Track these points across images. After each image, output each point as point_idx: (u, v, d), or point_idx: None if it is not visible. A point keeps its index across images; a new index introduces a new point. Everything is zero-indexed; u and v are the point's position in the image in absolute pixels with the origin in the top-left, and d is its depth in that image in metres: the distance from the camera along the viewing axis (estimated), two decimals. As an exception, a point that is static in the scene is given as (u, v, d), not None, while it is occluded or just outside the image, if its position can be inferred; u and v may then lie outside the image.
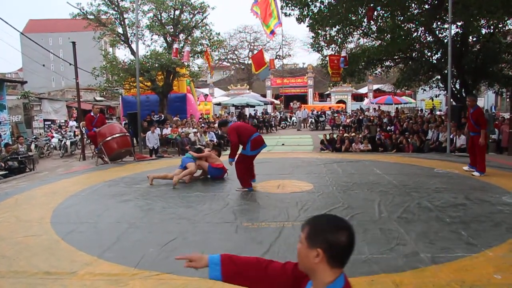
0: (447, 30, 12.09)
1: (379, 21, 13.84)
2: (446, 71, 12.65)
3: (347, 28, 13.97)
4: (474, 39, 14.32)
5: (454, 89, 13.53)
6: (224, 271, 1.60)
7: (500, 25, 13.52)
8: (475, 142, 7.30)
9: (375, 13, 12.94)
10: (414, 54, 15.15)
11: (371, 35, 14.93)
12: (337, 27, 13.70)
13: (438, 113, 22.38)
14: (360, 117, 20.52)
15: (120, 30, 17.44)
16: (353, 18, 13.41)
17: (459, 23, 13.34)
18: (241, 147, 6.42)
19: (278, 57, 42.68)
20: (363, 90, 37.39)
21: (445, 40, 13.14)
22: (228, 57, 46.31)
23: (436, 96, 18.03)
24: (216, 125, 14.42)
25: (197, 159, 7.36)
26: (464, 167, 7.70)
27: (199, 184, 6.94)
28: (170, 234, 4.21)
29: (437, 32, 14.20)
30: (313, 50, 15.54)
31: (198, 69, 19.76)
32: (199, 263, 1.62)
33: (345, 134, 14.92)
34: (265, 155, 11.24)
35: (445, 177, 7.00)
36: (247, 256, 1.66)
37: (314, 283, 1.37)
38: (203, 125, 17.03)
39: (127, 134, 10.37)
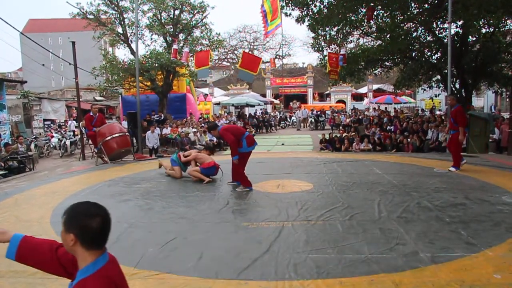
0: (447, 30, 12.08)
1: (379, 20, 13.83)
2: (446, 71, 12.65)
3: (347, 28, 13.95)
4: (474, 38, 14.31)
5: (454, 89, 13.52)
6: (18, 253, 1.69)
7: (500, 25, 13.52)
8: (452, 139, 7.65)
9: (375, 13, 12.93)
10: (414, 54, 15.14)
11: (371, 35, 14.91)
12: (337, 27, 13.69)
13: (438, 112, 22.34)
14: (360, 117, 20.52)
15: (119, 29, 17.41)
16: (353, 18, 13.40)
17: (459, 23, 13.33)
18: None
19: (277, 56, 42.71)
20: (363, 90, 37.35)
21: (445, 40, 13.13)
22: (228, 57, 46.33)
23: (436, 96, 18.01)
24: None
25: (185, 165, 7.43)
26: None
27: (199, 184, 6.93)
28: (170, 234, 4.21)
29: (436, 31, 14.19)
30: (314, 50, 15.54)
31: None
32: (1, 237, 1.72)
33: (344, 134, 14.90)
34: (265, 155, 11.24)
35: (444, 177, 7.00)
36: (44, 239, 1.76)
37: (79, 263, 1.51)
38: (203, 125, 17.02)
39: (126, 133, 10.37)
